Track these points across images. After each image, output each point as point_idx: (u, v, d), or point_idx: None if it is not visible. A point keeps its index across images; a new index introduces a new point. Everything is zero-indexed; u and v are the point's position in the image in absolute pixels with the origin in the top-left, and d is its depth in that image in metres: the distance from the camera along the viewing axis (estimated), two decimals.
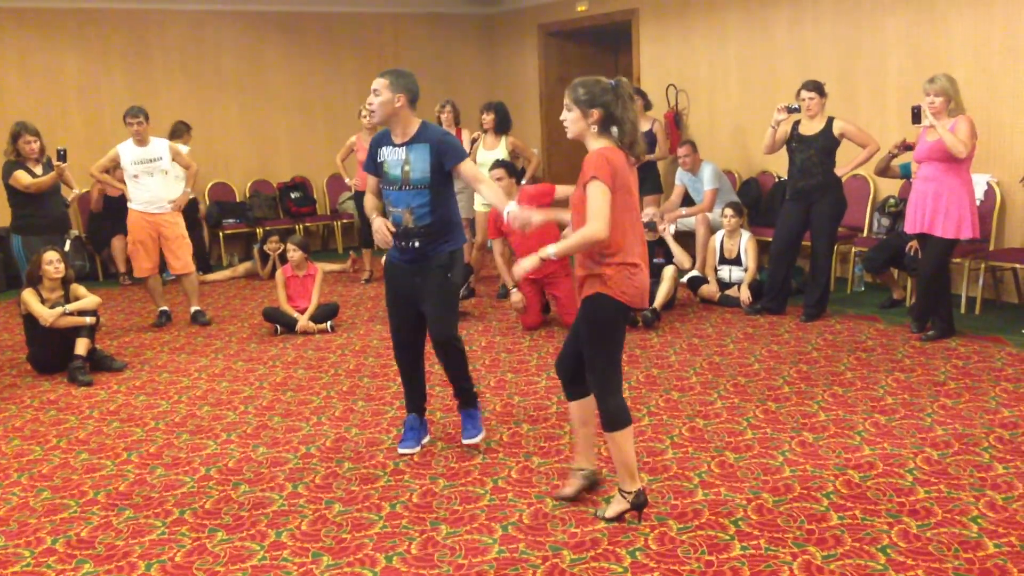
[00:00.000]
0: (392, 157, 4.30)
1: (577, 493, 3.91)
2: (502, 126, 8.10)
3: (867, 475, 4.03)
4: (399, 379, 5.71)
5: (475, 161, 7.93)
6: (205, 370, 6.18)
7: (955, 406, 4.85)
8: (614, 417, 3.60)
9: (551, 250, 3.53)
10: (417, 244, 4.31)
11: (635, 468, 3.66)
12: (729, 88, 9.06)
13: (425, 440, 4.63)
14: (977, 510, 3.66)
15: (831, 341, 6.19)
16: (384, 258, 4.58)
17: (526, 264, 3.62)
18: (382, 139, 4.37)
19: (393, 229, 4.26)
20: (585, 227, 3.44)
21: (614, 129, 3.53)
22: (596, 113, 3.50)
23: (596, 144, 3.54)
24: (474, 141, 8.26)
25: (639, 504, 3.65)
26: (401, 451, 4.53)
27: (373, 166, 4.40)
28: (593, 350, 3.61)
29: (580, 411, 3.82)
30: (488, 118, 8.11)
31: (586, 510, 3.80)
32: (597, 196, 3.41)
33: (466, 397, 4.60)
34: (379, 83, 4.24)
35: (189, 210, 9.18)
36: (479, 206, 8.07)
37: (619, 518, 3.68)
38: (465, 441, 4.55)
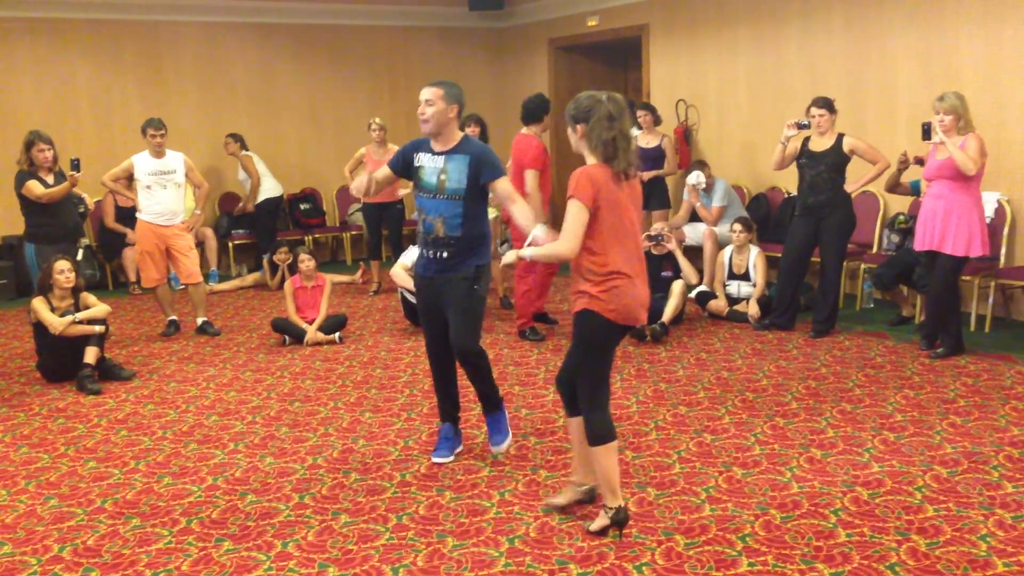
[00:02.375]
0: (430, 165, 4.33)
1: (569, 503, 3.92)
2: (483, 137, 8.12)
3: (876, 492, 4.02)
4: (407, 391, 5.75)
5: None
6: (213, 380, 6.20)
7: (964, 424, 4.83)
8: (598, 432, 3.62)
9: (527, 252, 3.65)
10: (446, 255, 4.32)
11: (617, 484, 3.66)
12: (739, 104, 9.08)
13: (458, 449, 4.64)
14: (986, 528, 3.64)
15: (840, 357, 6.17)
16: (413, 274, 4.67)
17: (507, 258, 3.83)
18: (420, 145, 4.41)
19: (363, 198, 4.41)
20: (557, 243, 3.54)
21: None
22: (580, 129, 3.58)
23: (589, 159, 3.59)
24: None
25: (619, 521, 3.65)
26: (435, 460, 4.54)
27: (401, 165, 4.44)
28: (580, 366, 3.66)
29: (580, 428, 3.78)
30: (474, 130, 8.23)
31: None
32: (570, 215, 3.49)
33: (488, 402, 4.61)
34: (432, 93, 4.25)
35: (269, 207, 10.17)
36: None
37: (603, 533, 3.68)
38: (493, 448, 4.60)
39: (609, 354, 3.69)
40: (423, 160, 4.36)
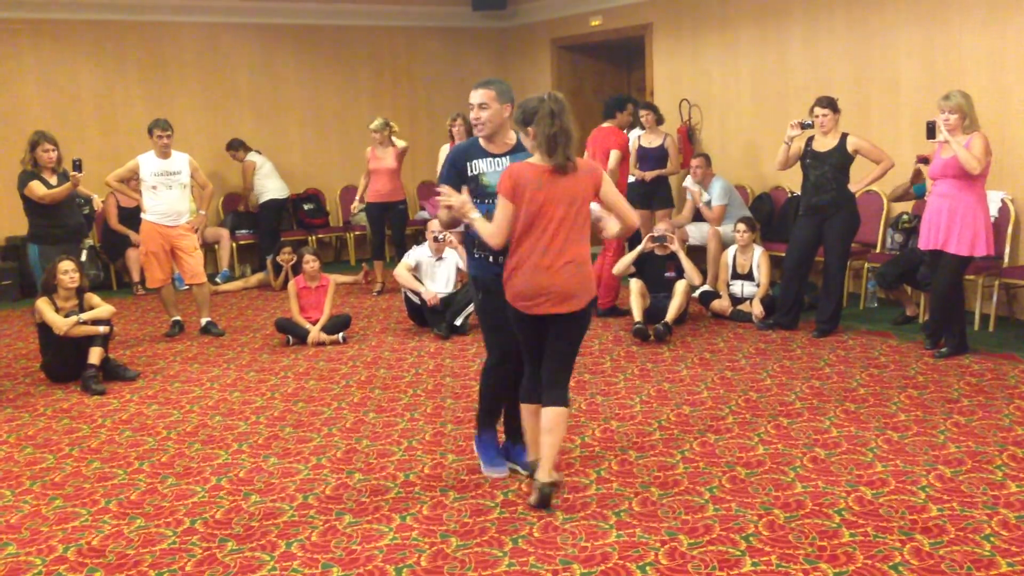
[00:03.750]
0: (493, 169, 4.10)
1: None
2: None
3: (879, 492, 4.01)
4: (411, 391, 5.74)
5: None
6: (217, 380, 6.21)
7: (968, 423, 4.82)
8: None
9: (475, 215, 3.89)
10: None
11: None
12: (742, 103, 9.07)
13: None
14: (990, 528, 3.64)
15: (844, 357, 6.17)
16: (473, 276, 4.30)
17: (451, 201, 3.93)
18: (470, 152, 4.15)
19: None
20: (487, 228, 3.85)
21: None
22: (531, 131, 3.80)
23: (535, 157, 3.83)
24: None
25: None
26: (493, 475, 4.36)
27: (458, 179, 4.09)
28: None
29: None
30: (459, 128, 8.35)
31: (596, 524, 3.79)
32: (498, 209, 3.84)
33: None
34: (484, 95, 4.03)
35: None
36: None
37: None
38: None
39: (521, 332, 3.99)
40: (482, 166, 4.11)
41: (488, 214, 3.98)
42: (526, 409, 4.10)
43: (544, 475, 3.94)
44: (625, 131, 7.61)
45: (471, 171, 4.12)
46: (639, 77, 10.66)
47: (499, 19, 11.92)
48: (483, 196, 4.08)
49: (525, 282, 3.85)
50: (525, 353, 4.07)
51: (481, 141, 4.17)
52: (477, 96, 4.06)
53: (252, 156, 10.23)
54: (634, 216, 4.01)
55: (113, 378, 6.20)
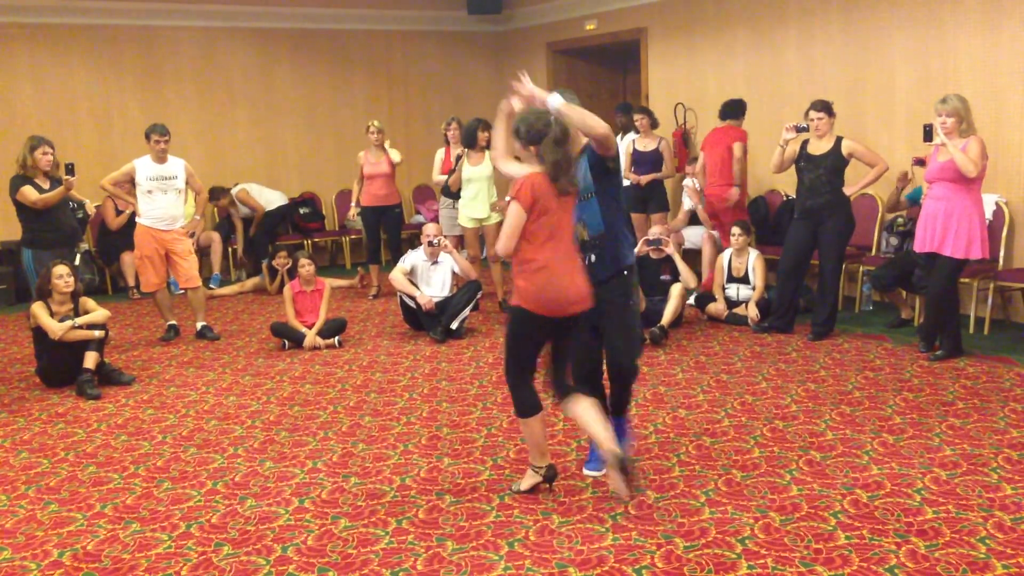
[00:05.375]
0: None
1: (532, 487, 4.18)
2: (467, 140, 8.15)
3: (875, 495, 4.02)
4: (407, 395, 5.75)
5: (461, 178, 8.00)
6: (212, 384, 6.20)
7: (963, 426, 4.83)
8: (519, 406, 4.10)
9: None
10: (594, 258, 4.14)
11: (543, 448, 4.14)
12: None
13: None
14: (985, 531, 3.65)
15: (839, 360, 6.17)
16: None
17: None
18: None
19: None
20: (498, 240, 3.98)
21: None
22: (533, 149, 3.94)
23: (534, 168, 3.91)
24: (459, 157, 8.26)
25: (550, 477, 4.12)
26: (590, 473, 4.38)
27: None
28: (506, 350, 4.15)
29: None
30: (455, 132, 8.40)
31: (593, 528, 3.79)
32: (510, 216, 3.90)
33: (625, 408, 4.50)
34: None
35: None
36: (466, 221, 8.09)
37: (533, 490, 4.11)
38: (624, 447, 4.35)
39: (527, 343, 4.08)
40: None
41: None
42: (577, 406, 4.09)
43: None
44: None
45: None
46: (634, 81, 10.68)
47: (495, 23, 11.93)
48: None
49: (559, 290, 3.91)
50: (521, 359, 4.13)
51: None
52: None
53: (239, 187, 10.14)
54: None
55: (108, 382, 6.19)
